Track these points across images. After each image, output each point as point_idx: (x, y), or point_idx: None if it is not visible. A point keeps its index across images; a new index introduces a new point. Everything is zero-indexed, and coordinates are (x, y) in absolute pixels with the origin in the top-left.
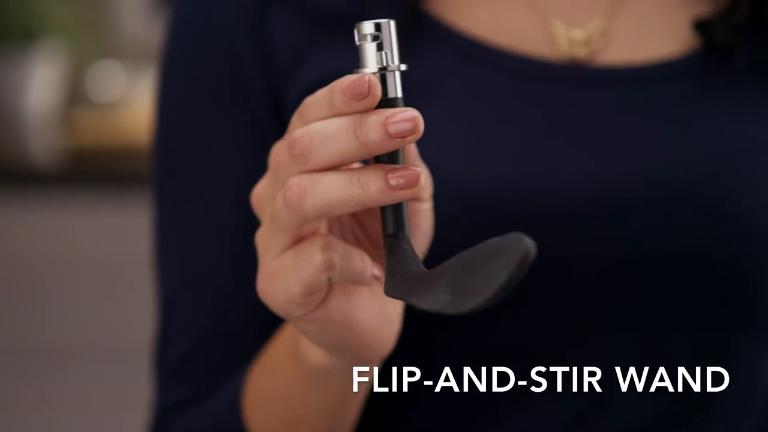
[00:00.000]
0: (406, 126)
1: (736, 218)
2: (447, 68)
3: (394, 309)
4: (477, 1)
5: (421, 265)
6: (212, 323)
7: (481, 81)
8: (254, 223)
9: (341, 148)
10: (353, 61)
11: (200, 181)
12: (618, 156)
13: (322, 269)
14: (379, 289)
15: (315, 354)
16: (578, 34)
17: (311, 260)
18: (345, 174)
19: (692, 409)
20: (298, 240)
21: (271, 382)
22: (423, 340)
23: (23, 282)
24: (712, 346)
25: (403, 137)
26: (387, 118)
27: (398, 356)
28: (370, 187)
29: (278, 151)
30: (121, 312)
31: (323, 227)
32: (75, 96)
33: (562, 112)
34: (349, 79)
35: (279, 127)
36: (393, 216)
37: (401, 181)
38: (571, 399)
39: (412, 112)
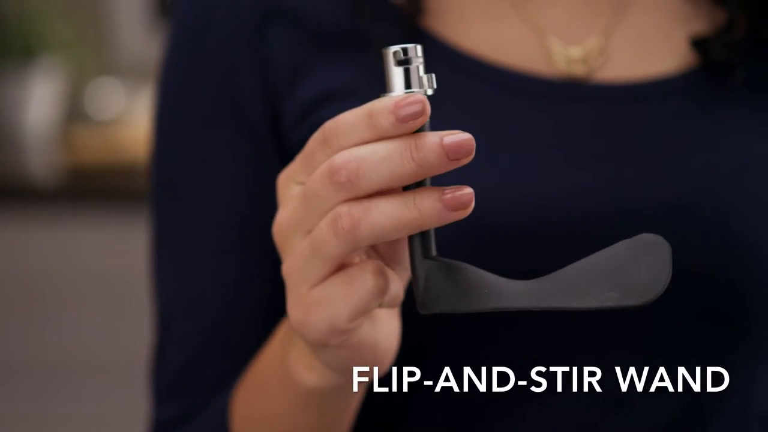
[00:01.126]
0: (465, 149)
1: (735, 234)
2: (445, 85)
3: (398, 326)
4: (475, 18)
5: (502, 277)
6: (208, 340)
7: (479, 98)
8: (250, 237)
9: (395, 171)
10: (352, 77)
11: (198, 198)
12: (616, 173)
13: (376, 295)
14: (390, 309)
15: (312, 377)
16: (576, 51)
17: (364, 286)
18: (398, 198)
19: (690, 423)
20: (340, 267)
21: (260, 408)
22: (421, 353)
23: (23, 298)
24: (709, 361)
25: (458, 159)
26: (443, 139)
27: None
28: (428, 210)
29: (314, 180)
30: (120, 328)
31: (361, 252)
32: (74, 113)
33: (560, 130)
34: (393, 100)
35: (277, 143)
36: (425, 237)
37: (456, 202)
38: (567, 413)
39: (468, 135)
